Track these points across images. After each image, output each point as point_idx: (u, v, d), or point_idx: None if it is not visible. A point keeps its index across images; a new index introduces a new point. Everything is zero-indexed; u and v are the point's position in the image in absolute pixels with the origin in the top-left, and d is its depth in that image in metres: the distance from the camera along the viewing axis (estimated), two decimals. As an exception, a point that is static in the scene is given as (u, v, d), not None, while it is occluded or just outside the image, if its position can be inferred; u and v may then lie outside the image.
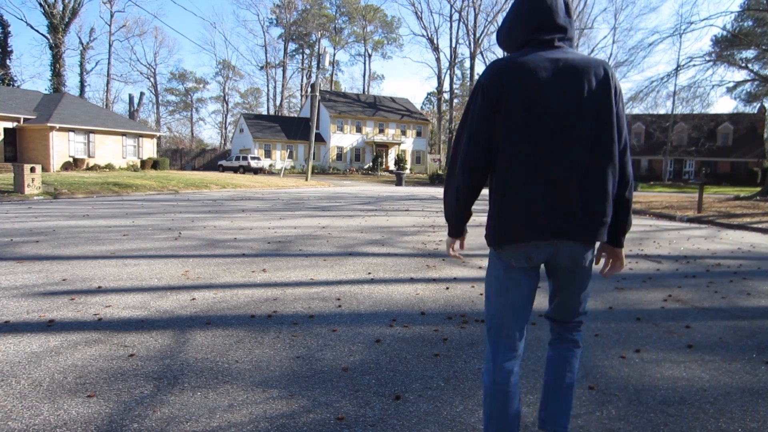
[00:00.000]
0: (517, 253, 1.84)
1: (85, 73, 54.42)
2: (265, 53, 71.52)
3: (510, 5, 1.97)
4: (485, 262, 6.46)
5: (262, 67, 70.65)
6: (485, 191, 1.82)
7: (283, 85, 71.09)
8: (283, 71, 70.49)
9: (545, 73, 1.76)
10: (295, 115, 60.02)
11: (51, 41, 44.08)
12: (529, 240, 1.80)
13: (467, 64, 60.85)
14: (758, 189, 23.86)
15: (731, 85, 32.74)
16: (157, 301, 4.35)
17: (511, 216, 1.79)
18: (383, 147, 53.90)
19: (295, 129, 51.09)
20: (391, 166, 52.39)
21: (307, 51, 71.38)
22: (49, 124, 27.37)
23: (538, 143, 1.76)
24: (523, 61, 1.78)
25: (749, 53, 27.89)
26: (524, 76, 1.76)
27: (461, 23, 55.22)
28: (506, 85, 1.76)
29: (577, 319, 2.06)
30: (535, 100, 1.75)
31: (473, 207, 1.90)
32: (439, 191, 25.02)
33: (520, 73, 1.77)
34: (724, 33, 30.46)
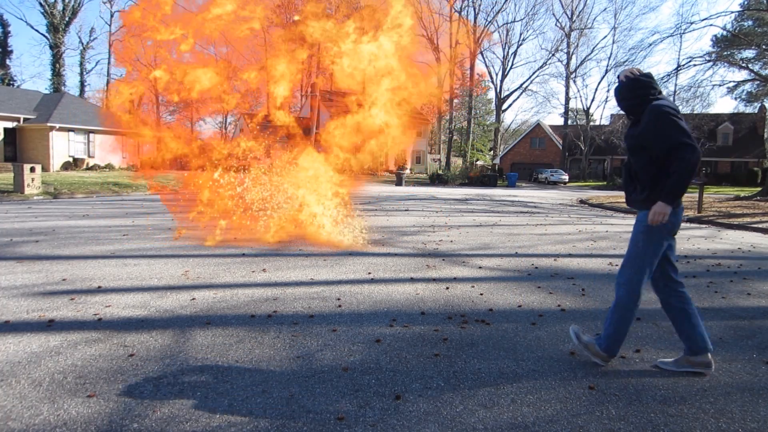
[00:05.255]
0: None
1: (85, 73, 54.27)
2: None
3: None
4: (485, 262, 6.46)
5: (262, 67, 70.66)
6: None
7: (283, 85, 71.05)
8: (283, 71, 70.49)
9: None
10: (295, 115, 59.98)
11: (51, 41, 44.09)
12: None
13: (467, 64, 60.77)
14: (758, 189, 23.88)
15: (732, 85, 32.70)
16: (157, 301, 4.35)
17: None
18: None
19: (295, 129, 51.05)
20: (391, 166, 52.35)
21: (307, 51, 71.39)
22: (49, 124, 27.36)
23: None
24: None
25: (749, 53, 27.90)
26: None
27: (461, 23, 55.17)
28: None
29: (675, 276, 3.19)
30: None
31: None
32: (439, 191, 24.95)
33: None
34: (724, 33, 30.49)
